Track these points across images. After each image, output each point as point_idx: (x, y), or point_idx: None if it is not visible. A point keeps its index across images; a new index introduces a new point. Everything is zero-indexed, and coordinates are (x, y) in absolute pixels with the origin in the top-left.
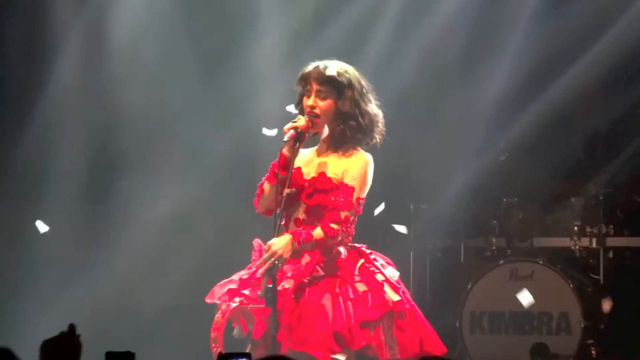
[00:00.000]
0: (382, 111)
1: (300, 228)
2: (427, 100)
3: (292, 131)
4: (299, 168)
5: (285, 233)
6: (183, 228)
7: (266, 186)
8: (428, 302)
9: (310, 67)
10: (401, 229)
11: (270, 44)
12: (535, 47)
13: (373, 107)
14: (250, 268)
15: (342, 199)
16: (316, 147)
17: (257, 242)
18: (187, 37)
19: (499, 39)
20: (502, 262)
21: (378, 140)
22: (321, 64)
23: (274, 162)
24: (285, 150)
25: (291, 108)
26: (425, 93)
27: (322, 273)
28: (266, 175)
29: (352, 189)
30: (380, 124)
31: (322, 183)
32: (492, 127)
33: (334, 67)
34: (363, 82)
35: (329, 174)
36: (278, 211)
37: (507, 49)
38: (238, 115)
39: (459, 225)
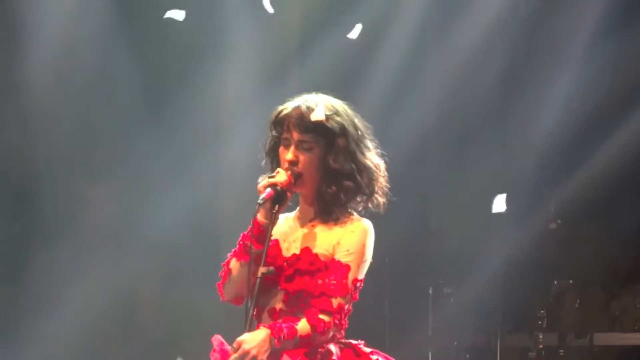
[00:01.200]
0: (386, 162)
1: (280, 321)
2: (450, 150)
3: (269, 189)
4: (276, 241)
5: (260, 327)
6: (119, 317)
7: (234, 265)
8: None
9: (288, 107)
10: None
11: (238, 72)
12: (594, 78)
13: (373, 157)
14: None
15: (334, 282)
16: (296, 213)
17: (217, 339)
18: (128, 60)
19: (545, 69)
20: None
21: (381, 202)
22: (302, 103)
23: (245, 232)
24: (260, 216)
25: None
26: (448, 141)
27: None
28: (233, 250)
29: (347, 267)
30: (382, 180)
31: (307, 262)
32: (538, 185)
33: (321, 108)
34: (359, 124)
35: (315, 250)
36: (250, 298)
37: (555, 81)
38: (194, 165)
39: (494, 316)
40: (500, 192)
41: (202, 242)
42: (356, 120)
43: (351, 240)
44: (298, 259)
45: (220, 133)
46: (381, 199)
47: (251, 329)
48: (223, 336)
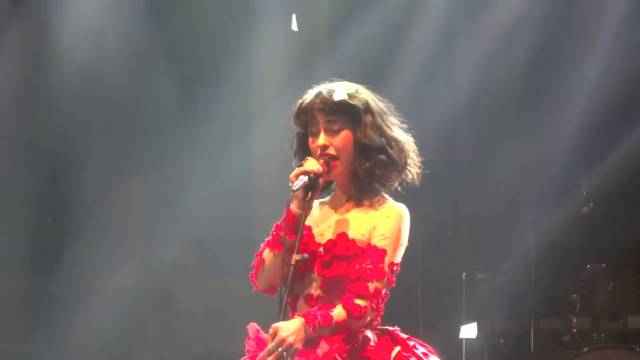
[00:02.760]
0: (416, 144)
1: (315, 308)
2: (481, 135)
3: (303, 178)
4: (309, 228)
5: (295, 316)
6: (154, 304)
7: (267, 255)
8: None
9: (309, 96)
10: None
11: (269, 60)
12: (625, 60)
13: (399, 133)
14: None
15: (371, 267)
16: (328, 199)
17: (252, 327)
18: (160, 51)
19: (575, 51)
20: (585, 349)
21: (415, 174)
22: (323, 89)
23: (278, 222)
24: (293, 206)
25: None
26: (479, 125)
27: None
28: (267, 240)
29: (384, 252)
30: (412, 153)
31: (343, 247)
32: (569, 169)
33: (342, 88)
34: (379, 103)
35: (351, 235)
36: (285, 287)
37: (586, 63)
38: (226, 154)
39: (527, 300)
40: (532, 176)
41: (235, 231)
42: (375, 98)
43: (387, 224)
44: (335, 245)
45: (252, 122)
46: (414, 171)
47: (285, 317)
48: (258, 324)
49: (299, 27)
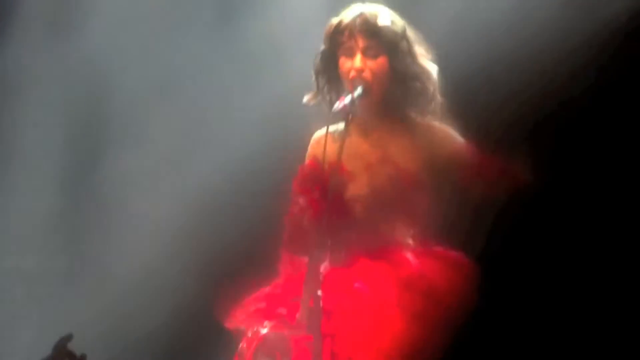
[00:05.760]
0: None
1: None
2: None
3: (345, 100)
4: (341, 165)
5: None
6: (191, 225)
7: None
8: None
9: (348, 15)
10: None
11: None
12: None
13: (427, 62)
14: (277, 283)
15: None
16: (352, 127)
17: (285, 251)
18: None
19: None
20: None
21: (440, 103)
22: (365, 10)
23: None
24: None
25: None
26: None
27: (388, 286)
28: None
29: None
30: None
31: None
32: None
33: (385, 13)
34: (412, 31)
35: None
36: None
37: None
38: (264, 76)
39: None
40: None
41: (277, 146)
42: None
43: (440, 130)
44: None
45: (287, 46)
46: (440, 100)
47: (323, 244)
48: None
49: None
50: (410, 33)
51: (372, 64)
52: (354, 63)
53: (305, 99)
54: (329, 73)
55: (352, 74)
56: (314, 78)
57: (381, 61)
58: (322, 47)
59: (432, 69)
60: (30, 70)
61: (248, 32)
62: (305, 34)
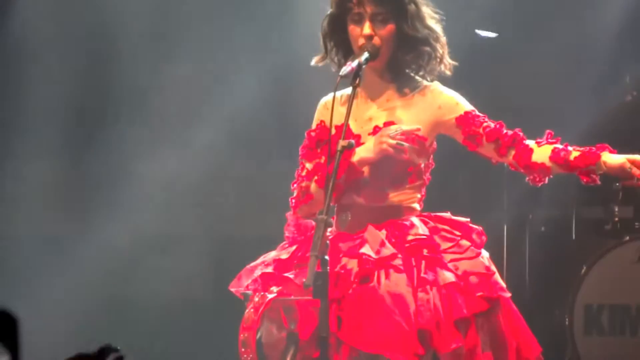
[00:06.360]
0: (444, 27)
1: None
2: (522, 21)
3: (352, 63)
4: (341, 126)
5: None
6: (195, 192)
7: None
8: (527, 292)
9: None
10: None
11: None
12: None
13: (434, 24)
14: (284, 247)
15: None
16: (358, 91)
17: (291, 215)
18: None
19: None
20: (627, 238)
21: (448, 65)
22: None
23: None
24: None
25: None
26: (520, 9)
27: (395, 251)
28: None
29: (473, 112)
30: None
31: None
32: (613, 56)
33: None
34: None
35: (406, 124)
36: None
37: None
38: (270, 41)
39: (569, 188)
40: (575, 62)
41: (274, 116)
42: None
43: (448, 96)
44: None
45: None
46: (450, 62)
47: (329, 206)
48: None
49: None
50: None
51: (380, 30)
52: (363, 30)
53: (314, 61)
54: (337, 37)
55: (361, 40)
56: (321, 41)
57: (390, 27)
58: (330, 10)
59: (439, 30)
60: (37, 34)
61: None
62: None
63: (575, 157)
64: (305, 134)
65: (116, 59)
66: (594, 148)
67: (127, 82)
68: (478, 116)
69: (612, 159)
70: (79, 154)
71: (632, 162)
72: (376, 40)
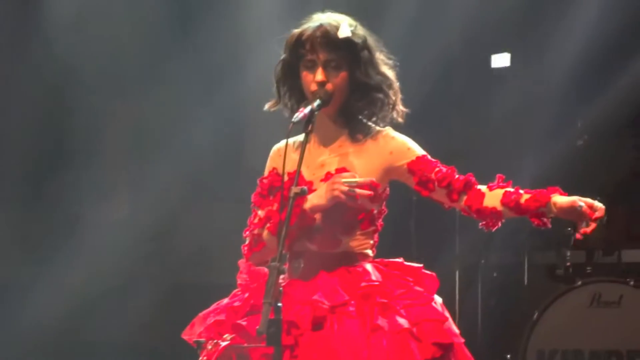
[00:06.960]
0: (397, 74)
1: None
2: (473, 66)
3: (304, 110)
4: (300, 176)
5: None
6: (148, 236)
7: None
8: (480, 337)
9: (308, 28)
10: None
11: None
12: None
13: (387, 70)
14: (236, 295)
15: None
16: (310, 137)
17: (244, 262)
18: None
19: None
20: (579, 283)
21: (400, 112)
22: (325, 22)
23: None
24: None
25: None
26: (471, 56)
27: (347, 297)
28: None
29: (426, 157)
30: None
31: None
32: (565, 101)
33: (346, 25)
34: (372, 38)
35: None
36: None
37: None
38: (222, 84)
39: (521, 234)
40: (526, 109)
41: (227, 161)
42: (367, 32)
43: (400, 141)
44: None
45: (247, 51)
46: (402, 109)
47: (282, 254)
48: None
49: None
50: (372, 41)
51: (333, 76)
52: (316, 76)
53: (267, 105)
54: (290, 82)
55: (314, 87)
56: (275, 86)
57: (343, 74)
58: (283, 55)
59: (392, 76)
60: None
61: (207, 42)
62: (264, 41)
63: (526, 200)
64: (258, 181)
65: (68, 104)
66: (545, 190)
67: (80, 126)
68: (430, 161)
69: (562, 199)
70: (33, 200)
71: (583, 202)
72: (329, 87)
